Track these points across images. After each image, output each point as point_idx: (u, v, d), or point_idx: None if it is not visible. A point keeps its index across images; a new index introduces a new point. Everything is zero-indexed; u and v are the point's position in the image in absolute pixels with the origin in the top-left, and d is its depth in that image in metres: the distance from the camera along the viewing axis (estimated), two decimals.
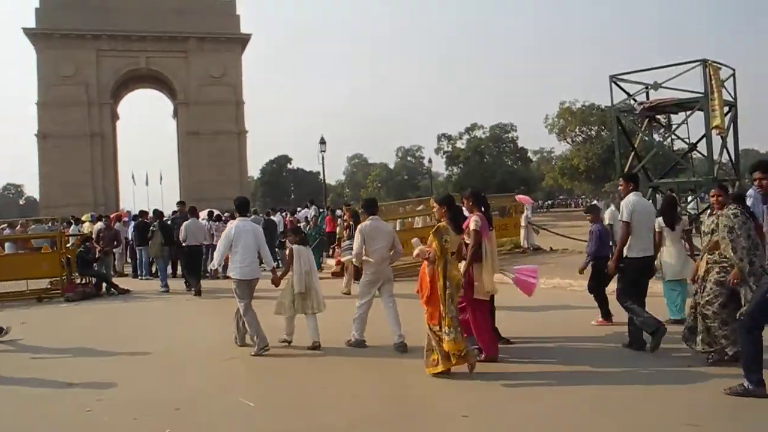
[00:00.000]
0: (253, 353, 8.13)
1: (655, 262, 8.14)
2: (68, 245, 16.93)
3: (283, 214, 25.97)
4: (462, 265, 7.13)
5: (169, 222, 17.25)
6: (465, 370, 6.72)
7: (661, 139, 21.83)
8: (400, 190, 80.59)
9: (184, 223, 15.37)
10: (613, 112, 16.00)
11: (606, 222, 9.70)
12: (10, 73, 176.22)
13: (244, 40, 59.18)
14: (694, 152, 15.91)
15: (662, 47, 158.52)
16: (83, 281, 16.00)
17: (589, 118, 63.83)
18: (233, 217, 15.91)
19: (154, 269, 18.09)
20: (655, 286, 8.54)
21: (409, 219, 19.68)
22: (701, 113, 13.74)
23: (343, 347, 8.24)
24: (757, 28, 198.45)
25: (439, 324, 6.64)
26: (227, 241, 8.53)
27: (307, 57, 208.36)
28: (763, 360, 5.67)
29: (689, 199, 19.83)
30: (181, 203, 18.18)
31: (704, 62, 13.52)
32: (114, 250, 18.46)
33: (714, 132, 13.59)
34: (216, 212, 20.12)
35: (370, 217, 8.31)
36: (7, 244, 20.17)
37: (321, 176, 48.86)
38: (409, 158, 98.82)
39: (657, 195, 14.76)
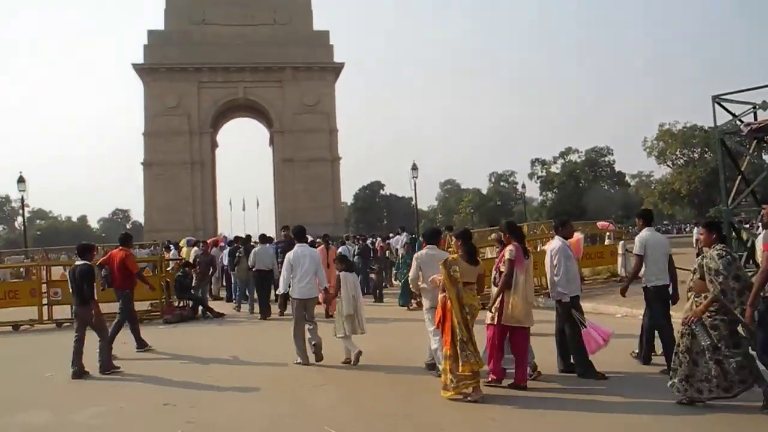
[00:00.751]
0: (295, 362, 9.39)
1: None
2: (168, 269, 17.46)
3: (374, 240, 25.99)
4: (494, 290, 7.80)
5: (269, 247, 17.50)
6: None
7: None
8: (493, 215, 79.32)
9: (253, 250, 16.27)
10: (716, 134, 15.13)
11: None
12: (121, 106, 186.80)
13: (337, 69, 60.27)
14: None
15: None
16: (181, 304, 16.44)
17: (691, 140, 61.41)
18: (325, 242, 16.18)
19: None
20: None
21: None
22: None
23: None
24: None
25: (452, 348, 7.14)
26: (288, 266, 9.60)
27: (400, 83, 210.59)
28: None
29: None
30: (285, 228, 17.97)
31: None
32: (210, 274, 18.88)
33: None
34: (309, 238, 20.26)
35: (428, 246, 8.57)
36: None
37: (413, 202, 48.92)
38: (502, 183, 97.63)
39: None
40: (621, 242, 19.23)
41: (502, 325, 7.63)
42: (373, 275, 19.37)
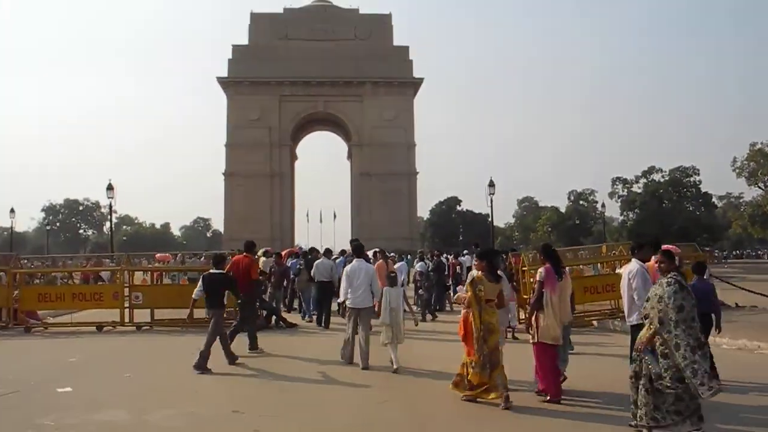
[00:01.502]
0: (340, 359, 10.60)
1: None
2: None
3: (447, 257, 25.80)
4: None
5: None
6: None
7: None
8: (571, 235, 77.56)
9: (315, 262, 17.14)
10: None
11: None
12: (205, 118, 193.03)
13: (416, 84, 60.55)
14: None
15: None
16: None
17: None
18: (383, 257, 16.31)
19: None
20: None
21: (579, 267, 18.65)
22: None
23: None
24: None
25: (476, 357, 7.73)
26: (346, 278, 10.92)
27: (479, 98, 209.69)
28: None
29: None
30: (355, 240, 18.19)
31: None
32: (285, 285, 19.10)
33: None
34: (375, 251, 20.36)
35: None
36: (190, 274, 21.54)
37: (489, 218, 48.42)
38: (581, 202, 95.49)
39: None
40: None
41: (542, 343, 7.96)
42: (422, 291, 19.16)
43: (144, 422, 7.26)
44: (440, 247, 46.57)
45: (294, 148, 64.74)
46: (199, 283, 11.39)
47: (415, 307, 19.48)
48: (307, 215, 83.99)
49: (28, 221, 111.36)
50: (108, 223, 78.85)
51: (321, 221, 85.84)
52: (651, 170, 74.50)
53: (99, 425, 7.16)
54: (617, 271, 8.79)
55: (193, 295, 11.44)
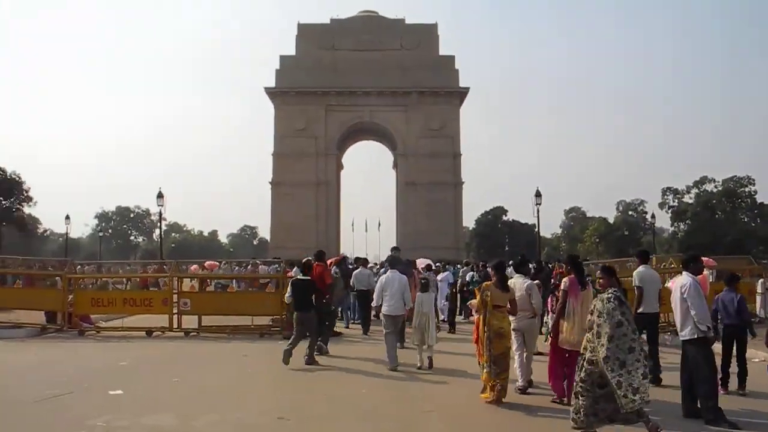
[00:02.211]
0: (388, 368, 11.11)
1: None
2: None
3: (489, 266, 25.56)
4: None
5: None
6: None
7: None
8: (619, 246, 76.02)
9: (354, 272, 17.90)
10: None
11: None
12: (254, 128, 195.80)
13: (462, 94, 60.41)
14: None
15: None
16: None
17: None
18: (444, 268, 16.49)
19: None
20: None
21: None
22: None
23: None
24: None
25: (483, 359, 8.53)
26: (380, 287, 12.11)
27: (523, 107, 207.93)
28: None
29: None
30: (394, 248, 18.32)
31: None
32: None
33: None
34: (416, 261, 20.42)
35: (517, 274, 9.88)
36: (235, 282, 21.89)
37: (536, 229, 47.98)
38: (630, 212, 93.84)
39: None
40: (760, 280, 17.92)
41: (559, 348, 8.56)
42: (445, 301, 19.04)
43: (191, 427, 7.41)
44: (485, 258, 46.28)
45: (340, 157, 65.13)
46: (289, 288, 12.72)
47: (460, 317, 19.49)
48: (353, 224, 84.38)
49: (82, 228, 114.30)
50: (157, 231, 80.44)
51: (366, 230, 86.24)
52: (703, 180, 72.87)
53: (148, 428, 7.34)
54: (667, 284, 8.65)
55: (285, 299, 13.30)
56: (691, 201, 72.33)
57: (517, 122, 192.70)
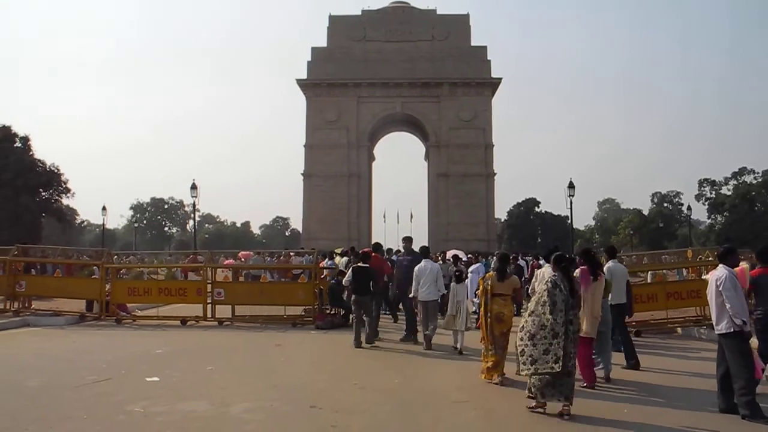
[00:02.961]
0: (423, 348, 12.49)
1: None
2: (321, 277, 18.09)
3: (527, 258, 25.56)
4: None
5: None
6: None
7: None
8: (654, 238, 74.98)
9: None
10: None
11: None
12: (287, 120, 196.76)
13: (494, 85, 59.98)
14: None
15: None
16: (332, 311, 16.95)
17: None
18: (477, 259, 16.58)
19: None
20: None
21: (662, 271, 18.14)
22: None
23: None
24: None
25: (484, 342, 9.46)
26: (416, 276, 12.84)
27: (558, 98, 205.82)
28: None
29: None
30: (406, 239, 17.85)
31: None
32: None
33: None
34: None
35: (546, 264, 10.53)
36: (268, 272, 22.07)
37: (569, 221, 47.53)
38: (665, 204, 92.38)
39: None
40: None
41: (580, 337, 8.67)
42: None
43: (224, 414, 7.53)
44: (517, 249, 45.95)
45: (372, 148, 65.17)
46: (349, 273, 14.01)
47: None
48: (384, 216, 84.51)
49: (117, 219, 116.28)
50: (191, 222, 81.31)
51: (398, 222, 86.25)
52: (742, 171, 71.51)
53: (183, 414, 7.48)
54: (704, 277, 8.50)
55: (344, 283, 14.56)
56: (729, 193, 70.96)
57: (548, 112, 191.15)
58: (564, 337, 7.35)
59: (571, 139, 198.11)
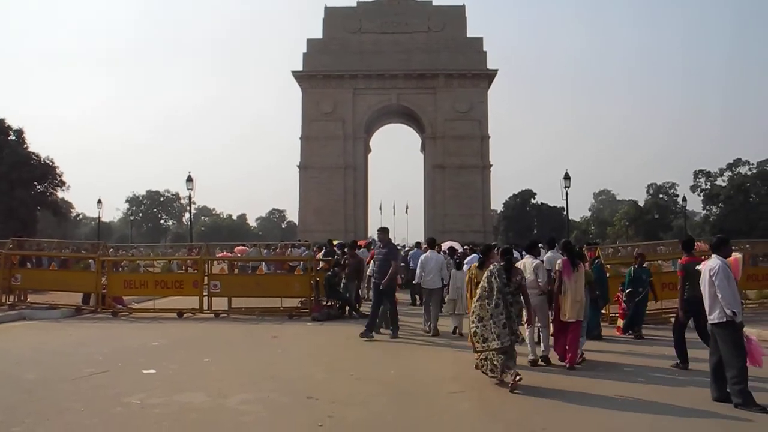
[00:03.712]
0: (426, 331, 13.59)
1: None
2: (317, 269, 18.11)
3: (521, 251, 25.53)
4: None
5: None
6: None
7: None
8: (650, 229, 75.05)
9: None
10: None
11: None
12: (282, 112, 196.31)
13: (490, 76, 59.86)
14: None
15: None
16: (329, 303, 17.00)
17: None
18: (473, 251, 16.73)
19: None
20: None
21: (657, 262, 18.17)
22: None
23: None
24: None
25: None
26: (420, 265, 14.02)
27: (554, 89, 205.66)
28: None
29: None
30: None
31: None
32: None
33: None
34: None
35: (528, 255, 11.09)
36: (264, 264, 22.08)
37: (565, 212, 47.60)
38: (661, 196, 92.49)
39: None
40: None
41: (559, 320, 10.05)
42: None
43: (221, 405, 7.56)
44: (514, 241, 46.00)
45: (367, 140, 65.04)
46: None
47: None
48: (380, 207, 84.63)
49: (113, 212, 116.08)
50: (187, 214, 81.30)
51: (394, 213, 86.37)
52: (737, 163, 71.64)
53: (180, 406, 7.51)
54: (697, 267, 8.50)
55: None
56: (724, 184, 71.10)
57: (544, 104, 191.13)
58: (505, 316, 8.40)
59: (567, 131, 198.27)
